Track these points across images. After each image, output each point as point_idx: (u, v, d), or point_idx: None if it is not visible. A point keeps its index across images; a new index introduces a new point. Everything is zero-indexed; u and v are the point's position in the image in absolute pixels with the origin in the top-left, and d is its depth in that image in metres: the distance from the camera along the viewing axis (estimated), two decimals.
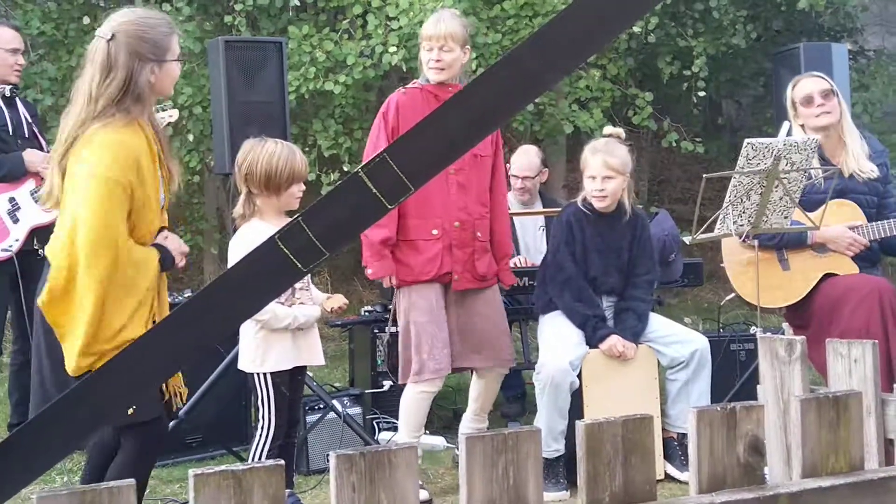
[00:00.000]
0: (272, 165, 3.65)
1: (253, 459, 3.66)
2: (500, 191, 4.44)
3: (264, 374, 3.67)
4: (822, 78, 4.55)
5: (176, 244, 3.26)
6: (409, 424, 4.27)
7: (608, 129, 4.52)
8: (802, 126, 4.51)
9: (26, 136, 4.89)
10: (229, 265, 3.65)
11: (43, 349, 3.20)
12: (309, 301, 3.81)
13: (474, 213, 4.27)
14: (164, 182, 3.23)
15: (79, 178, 2.99)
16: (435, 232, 4.19)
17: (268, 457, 3.65)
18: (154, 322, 3.09)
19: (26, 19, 7.25)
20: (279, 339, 3.67)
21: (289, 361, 3.71)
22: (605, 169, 4.28)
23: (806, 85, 4.51)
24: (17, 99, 4.91)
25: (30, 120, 4.94)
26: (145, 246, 3.12)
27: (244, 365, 3.73)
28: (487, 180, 4.35)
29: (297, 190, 3.73)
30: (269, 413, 3.68)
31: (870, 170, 4.44)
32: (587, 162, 4.35)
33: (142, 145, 3.08)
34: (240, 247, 3.68)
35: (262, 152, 3.68)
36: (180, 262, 3.28)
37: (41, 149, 4.85)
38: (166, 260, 3.18)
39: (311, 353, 3.79)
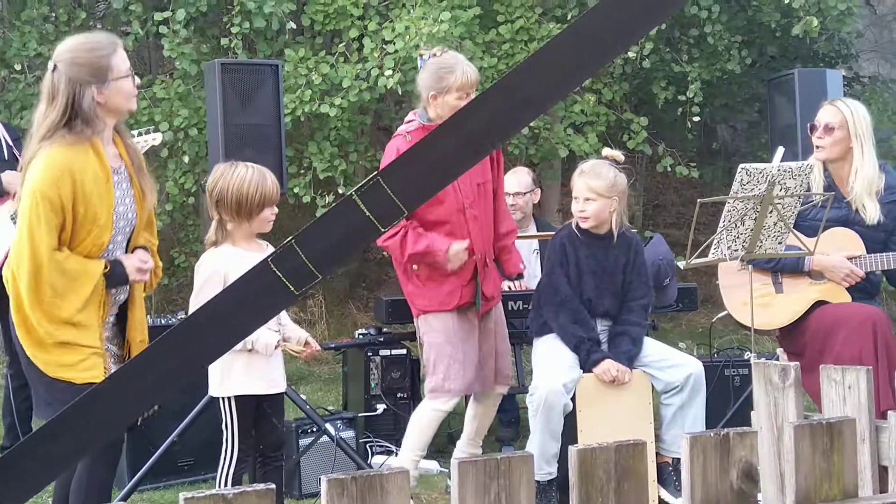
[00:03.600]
0: (242, 191, 3.55)
1: (218, 485, 3.58)
2: (501, 197, 4.51)
3: (227, 398, 3.58)
4: (837, 109, 4.36)
5: (135, 261, 3.31)
6: (413, 443, 4.27)
7: (606, 150, 4.53)
8: None
9: (5, 158, 4.93)
10: (194, 291, 3.60)
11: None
12: (276, 327, 3.65)
13: (487, 241, 4.35)
14: (136, 200, 3.32)
15: (22, 196, 3.15)
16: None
17: (233, 482, 3.57)
18: (105, 328, 3.26)
19: (24, 41, 7.25)
20: (239, 363, 3.54)
21: (250, 387, 3.58)
22: (587, 191, 4.31)
23: (819, 112, 4.44)
24: None
25: (10, 143, 4.97)
26: (91, 258, 3.18)
27: (211, 389, 3.65)
28: (492, 205, 4.42)
29: (270, 213, 3.64)
30: (232, 437, 3.58)
31: (873, 209, 4.30)
32: (573, 183, 4.41)
33: (86, 163, 3.15)
34: (203, 273, 3.58)
35: (233, 178, 3.58)
36: (137, 278, 3.32)
37: None
38: (115, 274, 3.23)
39: (270, 380, 3.63)
